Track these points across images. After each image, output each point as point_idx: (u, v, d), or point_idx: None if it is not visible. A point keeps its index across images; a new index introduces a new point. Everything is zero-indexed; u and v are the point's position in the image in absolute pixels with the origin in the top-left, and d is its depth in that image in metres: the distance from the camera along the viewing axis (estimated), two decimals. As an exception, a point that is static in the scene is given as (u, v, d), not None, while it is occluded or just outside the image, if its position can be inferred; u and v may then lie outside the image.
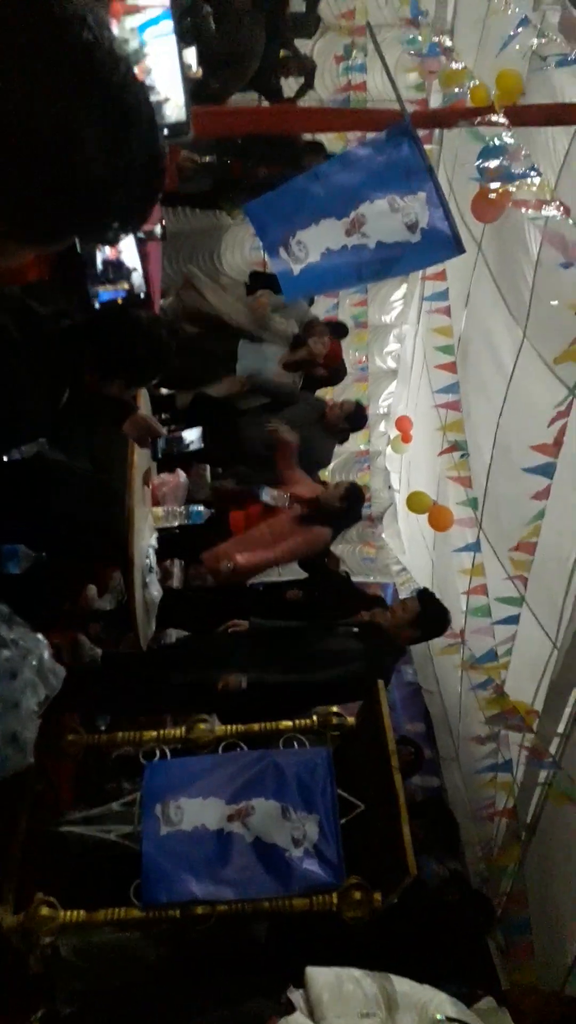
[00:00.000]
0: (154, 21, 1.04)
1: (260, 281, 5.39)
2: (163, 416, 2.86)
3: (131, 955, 2.57)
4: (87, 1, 0.73)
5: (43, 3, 0.70)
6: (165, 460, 2.78)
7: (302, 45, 6.09)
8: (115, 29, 1.02)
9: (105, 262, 1.67)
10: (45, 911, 2.21)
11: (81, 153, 0.72)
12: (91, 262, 1.67)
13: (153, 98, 1.03)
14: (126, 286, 1.70)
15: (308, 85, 5.66)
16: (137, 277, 1.74)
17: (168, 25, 1.04)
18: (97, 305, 1.72)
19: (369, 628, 3.55)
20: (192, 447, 2.70)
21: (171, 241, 6.20)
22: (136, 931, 2.53)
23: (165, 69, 1.03)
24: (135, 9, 1.02)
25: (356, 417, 4.65)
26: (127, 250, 1.72)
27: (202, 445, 2.71)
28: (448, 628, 3.86)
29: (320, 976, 2.37)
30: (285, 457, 3.97)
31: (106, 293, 1.72)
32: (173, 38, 1.04)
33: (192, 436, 2.71)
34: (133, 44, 1.03)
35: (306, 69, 5.50)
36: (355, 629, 3.56)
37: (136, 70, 1.03)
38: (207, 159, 5.31)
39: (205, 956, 2.60)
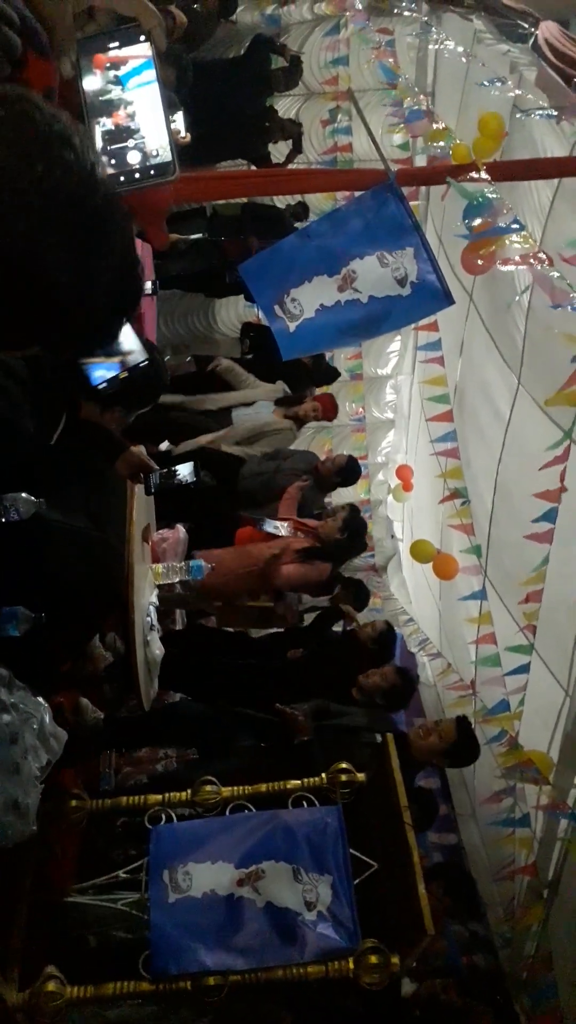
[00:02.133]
0: (137, 71, 1.07)
1: (251, 333, 5.50)
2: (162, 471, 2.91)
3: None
4: (74, 123, 0.73)
5: (27, 120, 0.70)
6: (160, 496, 2.81)
7: (285, 105, 6.33)
8: (98, 81, 1.05)
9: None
10: (52, 986, 2.13)
11: (45, 273, 0.72)
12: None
13: (136, 142, 1.05)
14: (118, 359, 1.69)
15: (297, 150, 5.85)
16: (134, 359, 1.73)
17: (151, 73, 1.07)
18: (101, 385, 1.71)
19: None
20: (185, 481, 2.72)
21: (166, 300, 6.33)
22: (153, 1006, 2.44)
23: (149, 114, 1.05)
24: (118, 60, 1.05)
25: (348, 471, 4.66)
26: (125, 335, 1.72)
27: (195, 478, 2.73)
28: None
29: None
30: (288, 505, 3.99)
31: (97, 367, 1.71)
32: (156, 85, 1.07)
33: (185, 471, 2.73)
34: (116, 93, 1.06)
35: (293, 133, 5.69)
36: (379, 739, 3.48)
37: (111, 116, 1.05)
38: (198, 236, 5.46)
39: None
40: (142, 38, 1.08)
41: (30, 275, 0.71)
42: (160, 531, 3.41)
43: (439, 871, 4.10)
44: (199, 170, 3.42)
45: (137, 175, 1.06)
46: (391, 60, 5.67)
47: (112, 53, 1.08)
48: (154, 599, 2.97)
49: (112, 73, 1.08)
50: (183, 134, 3.64)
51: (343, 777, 2.60)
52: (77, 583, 2.25)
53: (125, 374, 1.68)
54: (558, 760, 4.05)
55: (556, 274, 2.89)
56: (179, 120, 3.56)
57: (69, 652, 2.59)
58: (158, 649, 2.85)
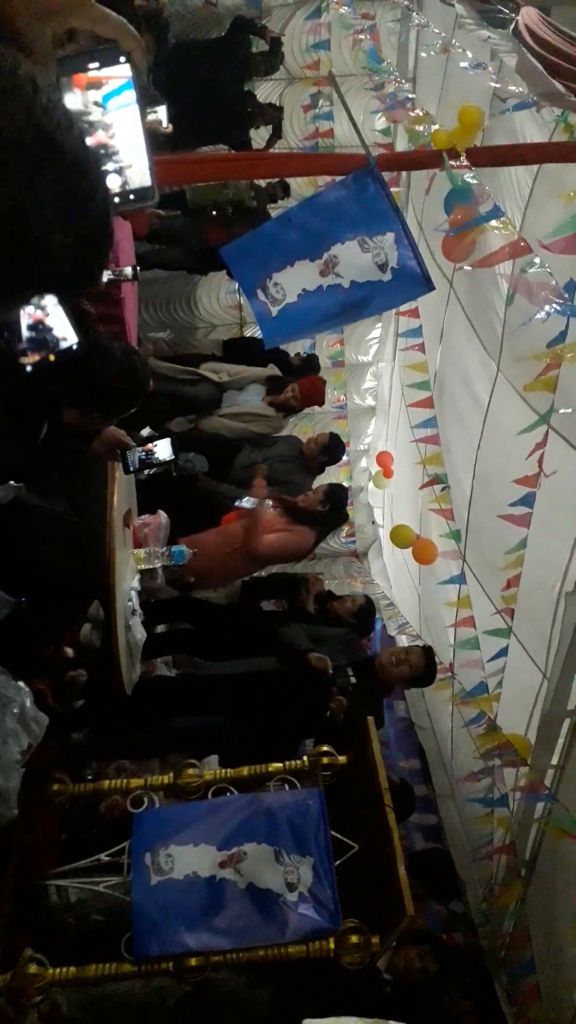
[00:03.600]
0: (117, 92, 1.06)
1: (233, 351, 5.49)
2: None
3: (133, 1007, 2.49)
4: (30, 67, 0.72)
5: None
6: (138, 472, 2.82)
7: (267, 89, 6.28)
8: (77, 101, 1.05)
9: (31, 327, 1.64)
10: (33, 968, 2.14)
11: (38, 220, 0.71)
12: (15, 329, 1.64)
13: (117, 165, 1.05)
14: (51, 357, 1.67)
15: (276, 135, 5.81)
16: (64, 343, 1.71)
17: (131, 95, 1.06)
18: (30, 368, 1.70)
19: (364, 667, 3.58)
20: (163, 458, 2.73)
21: (147, 287, 6.29)
22: (137, 981, 2.46)
23: (129, 137, 1.05)
24: (98, 81, 1.05)
25: (332, 448, 4.70)
26: (55, 317, 1.69)
27: (173, 456, 2.74)
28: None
29: (318, 1028, 2.31)
30: (259, 485, 4.04)
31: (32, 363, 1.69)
32: (136, 107, 1.06)
33: (162, 447, 2.74)
34: (97, 114, 1.06)
35: (273, 119, 5.65)
36: (350, 671, 3.58)
37: (90, 136, 1.04)
38: (176, 214, 5.43)
39: (210, 1010, 2.53)
40: (122, 59, 1.07)
41: (25, 223, 0.70)
42: (142, 516, 3.41)
43: (414, 860, 4.16)
44: (179, 154, 3.41)
45: (117, 199, 1.07)
46: (375, 44, 5.64)
47: (92, 74, 1.07)
48: (136, 584, 2.97)
49: (92, 93, 1.07)
50: (165, 125, 3.62)
51: (325, 759, 2.63)
52: (57, 568, 2.25)
53: (52, 357, 1.65)
54: (535, 742, 4.11)
55: (537, 260, 2.90)
56: (161, 112, 3.53)
57: (50, 637, 2.59)
58: (140, 634, 2.86)
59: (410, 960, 3.20)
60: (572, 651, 3.74)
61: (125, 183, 1.06)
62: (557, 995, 3.93)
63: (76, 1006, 2.42)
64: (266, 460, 4.56)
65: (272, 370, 5.10)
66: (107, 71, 1.06)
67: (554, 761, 3.97)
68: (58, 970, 2.18)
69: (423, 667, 3.77)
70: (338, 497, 4.16)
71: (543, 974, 4.14)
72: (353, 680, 3.61)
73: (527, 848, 4.34)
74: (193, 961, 2.23)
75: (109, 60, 1.07)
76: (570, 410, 3.43)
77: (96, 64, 1.06)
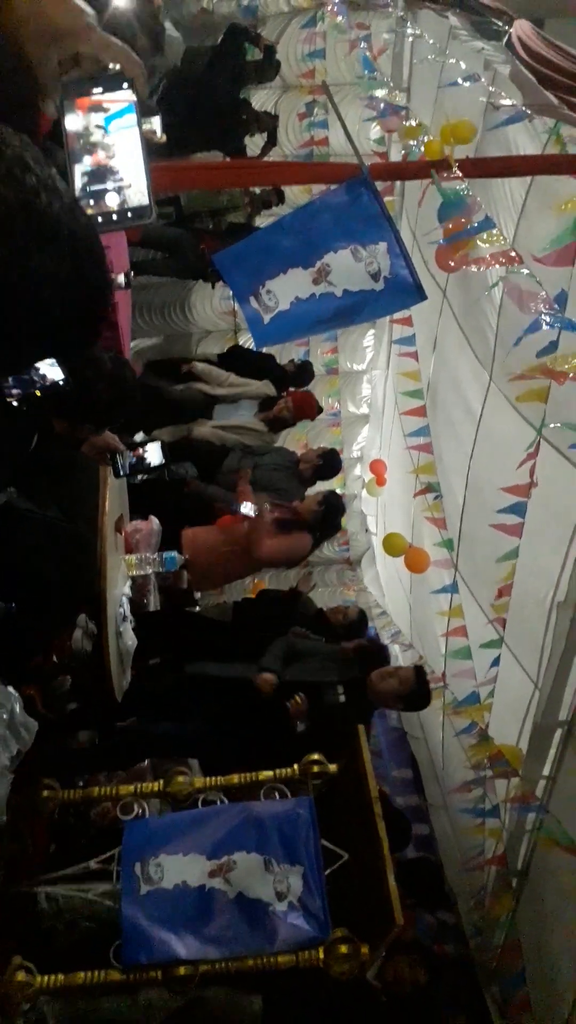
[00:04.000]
0: (119, 114, 1.09)
1: (229, 361, 5.50)
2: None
3: (119, 1021, 2.47)
4: (21, 142, 0.75)
5: None
6: (129, 476, 2.83)
7: (263, 97, 6.30)
8: (80, 122, 1.07)
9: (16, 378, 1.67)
10: (21, 976, 2.13)
11: (37, 294, 0.74)
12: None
13: (116, 184, 1.06)
14: (37, 393, 1.70)
15: (271, 143, 5.84)
16: (48, 373, 1.73)
17: (132, 118, 1.09)
18: (15, 402, 1.71)
19: (356, 684, 3.57)
20: (154, 462, 2.74)
21: (140, 292, 6.30)
22: (125, 996, 2.44)
23: (129, 157, 1.08)
24: (100, 104, 1.09)
25: (328, 465, 4.69)
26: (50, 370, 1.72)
27: (163, 460, 2.75)
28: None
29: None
30: (245, 491, 4.05)
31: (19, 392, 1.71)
32: (136, 129, 1.10)
33: (152, 451, 2.74)
34: (98, 136, 1.08)
35: (268, 126, 5.68)
36: (341, 688, 3.57)
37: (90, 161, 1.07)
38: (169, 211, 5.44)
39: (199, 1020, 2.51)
40: (125, 85, 1.10)
41: (24, 298, 0.74)
42: (133, 522, 3.40)
43: (405, 869, 4.14)
44: (173, 161, 3.42)
45: (115, 217, 1.09)
46: (369, 53, 5.68)
47: (95, 97, 1.10)
48: (127, 590, 2.97)
49: (94, 115, 1.10)
50: (159, 135, 3.65)
51: (315, 768, 2.62)
52: (47, 573, 2.24)
53: (38, 392, 1.67)
54: (527, 752, 4.10)
55: (526, 271, 2.92)
56: (155, 123, 3.57)
57: (40, 643, 2.58)
58: (130, 640, 2.85)
59: (399, 969, 3.18)
60: (564, 661, 3.74)
61: (124, 202, 1.08)
62: (549, 1008, 3.91)
63: (63, 1019, 2.40)
64: (256, 467, 4.56)
65: (268, 387, 5.10)
66: (110, 96, 1.09)
67: (545, 772, 3.97)
68: (46, 977, 2.17)
69: (413, 683, 3.63)
70: (334, 504, 4.18)
71: (534, 986, 4.13)
72: (343, 699, 3.58)
73: (518, 859, 4.33)
74: (182, 970, 2.21)
75: (112, 85, 1.10)
76: (559, 424, 3.44)
77: (100, 89, 1.09)
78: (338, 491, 8.52)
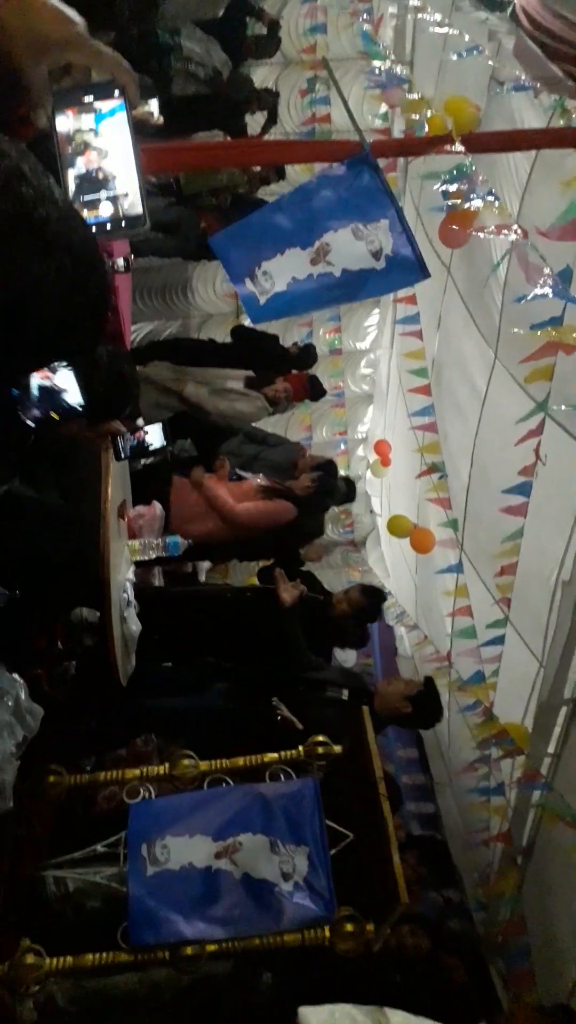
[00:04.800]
0: (110, 113, 1.08)
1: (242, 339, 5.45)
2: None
3: (129, 1002, 2.50)
4: (18, 153, 0.75)
5: None
6: (131, 459, 2.81)
7: (263, 74, 6.21)
8: (70, 124, 1.06)
9: (41, 388, 1.65)
10: (30, 958, 2.15)
11: (37, 304, 0.75)
12: (26, 388, 1.65)
13: (110, 194, 1.05)
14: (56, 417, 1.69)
15: (272, 121, 5.76)
16: (69, 398, 1.71)
17: (123, 118, 1.08)
18: (32, 424, 1.71)
19: (360, 695, 3.53)
20: (156, 445, 2.72)
21: (141, 275, 6.25)
22: (133, 975, 2.47)
23: (122, 163, 1.07)
24: (91, 106, 1.08)
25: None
26: (63, 378, 1.70)
27: (165, 442, 2.74)
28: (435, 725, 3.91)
29: (313, 1015, 2.32)
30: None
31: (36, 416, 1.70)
32: (128, 130, 1.08)
33: (154, 433, 2.73)
34: (89, 138, 1.06)
35: (269, 104, 5.60)
36: (344, 695, 3.54)
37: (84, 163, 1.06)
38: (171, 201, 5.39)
39: (207, 1004, 2.54)
40: (116, 92, 1.09)
41: (26, 311, 0.75)
42: (136, 507, 3.39)
43: (414, 842, 4.18)
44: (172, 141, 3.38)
45: (109, 226, 1.08)
46: (370, 26, 5.59)
47: (85, 101, 1.10)
48: (131, 575, 2.96)
49: (85, 116, 1.09)
50: (156, 117, 3.61)
51: (320, 749, 2.63)
52: (50, 560, 2.24)
53: (55, 416, 1.67)
54: (532, 730, 4.12)
55: (531, 244, 2.88)
56: (153, 104, 3.53)
57: (44, 628, 2.59)
58: (135, 625, 2.85)
59: (402, 937, 3.22)
60: (569, 639, 3.74)
61: (117, 211, 1.07)
62: (552, 980, 3.96)
63: (71, 999, 2.43)
64: (257, 459, 4.54)
65: (250, 375, 5.04)
66: (101, 104, 1.08)
67: (550, 749, 3.98)
68: (55, 960, 2.19)
69: (420, 686, 3.49)
70: (327, 483, 4.16)
71: (538, 960, 4.18)
72: (345, 696, 3.55)
73: (523, 836, 4.36)
74: (189, 950, 2.23)
75: (104, 94, 1.09)
76: (564, 405, 3.41)
77: (91, 97, 1.08)
78: (342, 472, 8.58)
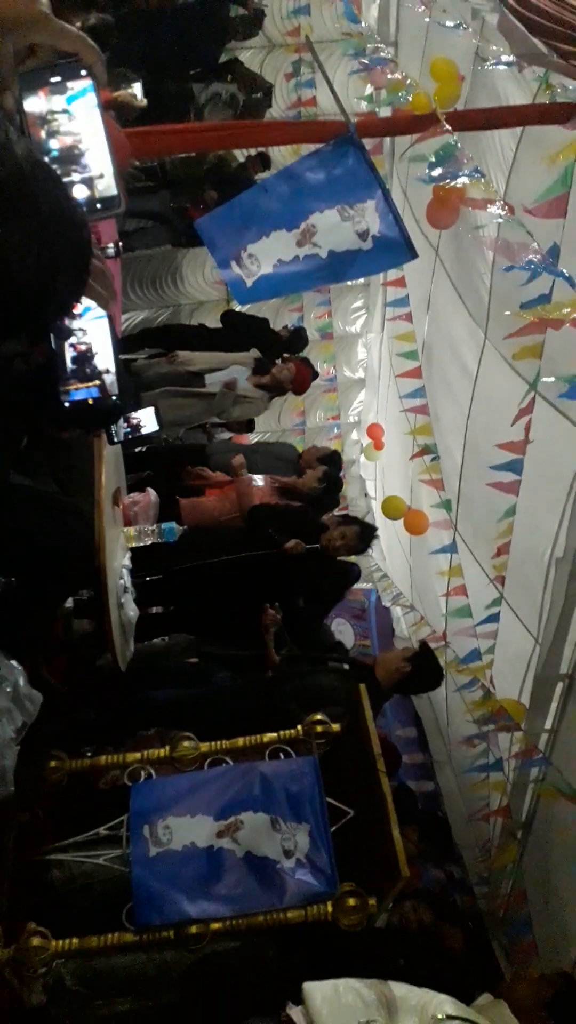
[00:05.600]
0: (80, 94, 1.07)
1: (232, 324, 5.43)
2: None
3: (137, 980, 2.53)
4: None
5: None
6: (124, 443, 2.81)
7: (248, 57, 6.17)
8: (41, 104, 1.04)
9: (75, 358, 1.61)
10: (36, 941, 2.17)
11: (13, 265, 0.72)
12: (61, 359, 1.61)
13: (83, 175, 1.04)
14: (97, 384, 1.63)
15: (266, 104, 5.73)
16: (110, 378, 1.65)
17: (93, 100, 1.07)
18: (68, 404, 1.65)
19: (360, 670, 3.58)
20: (147, 429, 2.73)
21: (131, 265, 6.23)
22: (140, 954, 2.50)
23: (94, 145, 1.06)
24: (60, 87, 1.06)
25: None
26: (100, 345, 1.65)
27: (157, 427, 2.74)
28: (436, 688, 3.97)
29: (318, 990, 2.36)
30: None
31: (77, 392, 1.65)
32: (98, 110, 1.07)
33: (146, 418, 2.73)
34: (60, 119, 1.05)
35: (265, 86, 5.57)
36: (345, 666, 3.59)
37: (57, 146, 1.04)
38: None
39: (213, 980, 2.57)
40: (83, 72, 1.08)
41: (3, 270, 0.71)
42: (131, 494, 3.41)
43: (414, 817, 4.22)
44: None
45: (84, 208, 1.07)
46: (352, 3, 5.55)
47: (53, 80, 1.08)
48: (127, 562, 2.98)
49: (56, 99, 1.08)
50: (140, 99, 3.58)
51: (319, 728, 2.65)
52: (46, 547, 2.25)
53: (92, 401, 1.64)
54: (529, 707, 4.16)
55: (519, 222, 2.88)
56: (136, 88, 3.51)
57: (43, 616, 2.60)
58: (132, 611, 2.87)
59: (405, 913, 3.27)
60: (563, 616, 3.77)
61: (92, 193, 1.07)
62: (553, 951, 4.01)
63: (80, 980, 2.46)
64: (255, 453, 4.56)
65: (255, 355, 5.05)
66: (70, 85, 1.07)
67: (548, 725, 4.02)
68: (61, 942, 2.22)
69: (416, 650, 3.65)
70: (334, 480, 4.20)
71: (540, 931, 4.23)
72: (347, 667, 3.62)
73: (523, 811, 4.41)
74: (194, 929, 2.26)
75: (70, 74, 1.08)
76: (552, 379, 3.42)
77: (58, 78, 1.07)
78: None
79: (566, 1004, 2.64)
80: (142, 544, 3.20)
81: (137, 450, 4.31)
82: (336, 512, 4.14)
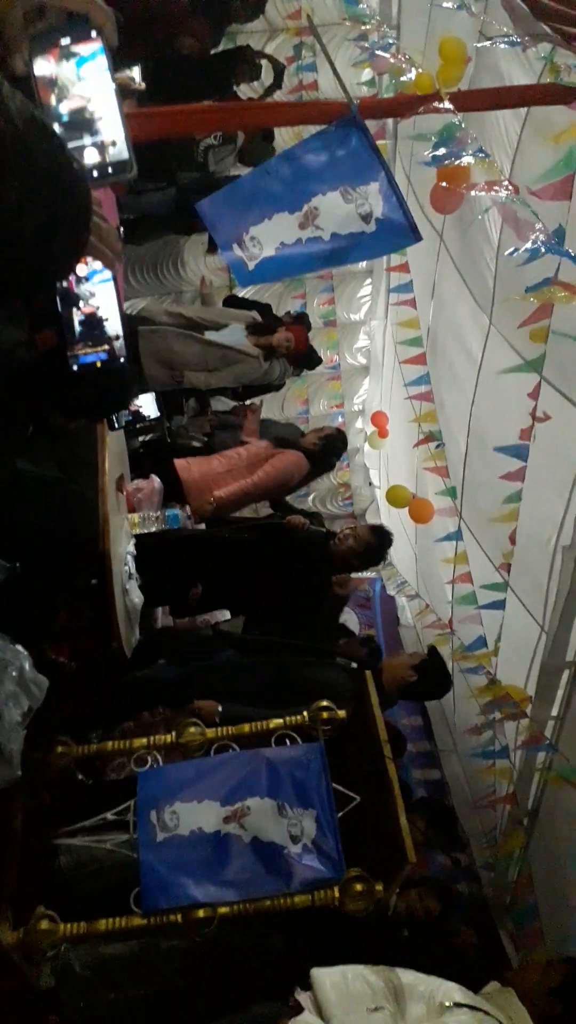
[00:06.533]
0: (91, 56, 1.05)
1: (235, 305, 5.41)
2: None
3: (144, 966, 2.54)
4: None
5: None
6: (124, 429, 2.79)
7: (248, 42, 6.12)
8: (50, 68, 1.02)
9: (83, 322, 1.59)
10: (45, 925, 2.18)
11: (10, 225, 0.71)
12: (69, 324, 1.58)
13: (94, 139, 1.02)
14: (106, 348, 1.60)
15: (276, 85, 5.68)
16: (118, 342, 1.62)
17: (103, 62, 1.05)
18: (76, 368, 1.62)
19: (368, 666, 3.57)
20: (150, 415, 2.72)
21: (132, 252, 6.20)
22: (148, 940, 2.51)
23: (104, 107, 1.04)
24: (70, 50, 1.04)
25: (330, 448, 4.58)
26: (107, 308, 1.61)
27: (158, 413, 2.74)
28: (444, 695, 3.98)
29: (326, 976, 2.37)
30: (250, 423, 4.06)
31: (85, 357, 1.61)
32: (109, 76, 1.05)
33: (146, 403, 2.73)
34: (71, 82, 1.03)
35: (277, 69, 5.52)
36: (354, 665, 3.58)
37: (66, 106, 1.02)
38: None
39: (219, 967, 2.58)
40: (93, 33, 1.06)
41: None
42: (135, 481, 3.40)
43: (421, 805, 4.22)
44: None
45: (95, 173, 1.05)
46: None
47: (63, 43, 1.07)
48: (131, 548, 2.98)
49: (65, 61, 1.06)
50: (138, 82, 3.54)
51: (325, 715, 2.65)
52: (50, 534, 2.25)
53: (100, 363, 1.61)
54: (535, 694, 4.15)
55: (519, 198, 2.85)
56: (135, 71, 3.47)
57: (49, 602, 2.60)
58: (137, 597, 2.87)
59: (411, 901, 3.27)
60: (569, 603, 3.75)
61: (103, 157, 1.05)
62: (560, 938, 4.02)
63: (87, 965, 2.47)
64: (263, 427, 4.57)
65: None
66: (79, 46, 1.05)
67: (554, 712, 4.02)
68: (69, 925, 2.23)
69: (429, 665, 3.58)
70: (334, 441, 4.19)
71: (546, 918, 4.24)
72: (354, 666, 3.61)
73: (529, 797, 4.41)
74: (201, 913, 2.27)
75: (80, 34, 1.06)
76: (561, 361, 3.40)
77: (68, 39, 1.05)
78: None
79: (573, 989, 2.64)
80: (146, 531, 3.19)
81: (140, 439, 4.28)
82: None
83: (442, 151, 2.82)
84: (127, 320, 1.58)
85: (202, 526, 4.15)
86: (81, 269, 1.39)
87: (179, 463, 3.83)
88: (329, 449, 4.20)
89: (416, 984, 2.32)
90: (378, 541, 3.84)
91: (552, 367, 3.64)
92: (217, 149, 5.24)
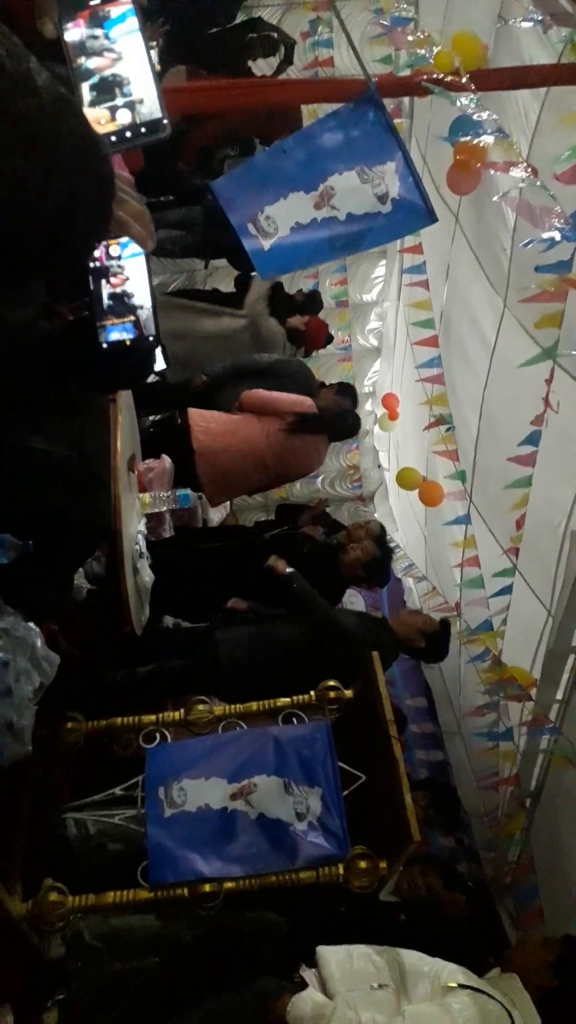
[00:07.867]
0: (121, 18, 1.04)
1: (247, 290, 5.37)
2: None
3: (152, 940, 2.59)
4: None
5: None
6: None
7: (265, 16, 6.04)
8: (80, 33, 1.01)
9: (112, 295, 1.57)
10: (54, 896, 2.23)
11: (33, 200, 0.71)
12: (98, 299, 1.57)
13: (126, 99, 1.01)
14: (132, 319, 1.58)
15: (288, 61, 5.60)
16: (145, 314, 1.59)
17: (134, 22, 1.03)
18: (105, 344, 1.61)
19: (376, 621, 3.61)
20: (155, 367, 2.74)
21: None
22: (154, 915, 2.56)
23: (135, 66, 1.02)
24: (99, 10, 1.03)
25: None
26: (136, 284, 1.59)
27: (165, 365, 2.71)
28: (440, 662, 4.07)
29: (331, 954, 2.41)
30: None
31: (113, 328, 1.60)
32: (139, 35, 1.04)
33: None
34: (101, 43, 1.02)
35: (288, 41, 5.44)
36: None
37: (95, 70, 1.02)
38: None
39: (225, 940, 2.63)
40: None
41: (26, 206, 0.71)
42: (146, 461, 3.41)
43: (426, 785, 4.26)
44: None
45: (128, 134, 1.04)
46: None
47: (92, 3, 1.06)
48: (142, 527, 2.99)
49: (95, 23, 1.05)
50: (155, 65, 3.49)
51: (331, 694, 2.68)
52: (62, 512, 2.25)
53: (129, 342, 1.60)
54: (540, 678, 4.16)
55: (540, 183, 2.82)
56: (152, 53, 3.43)
57: (60, 580, 2.61)
58: (148, 576, 2.89)
59: (413, 878, 3.31)
60: (576, 588, 3.76)
61: (135, 117, 1.04)
62: (559, 917, 4.07)
63: (97, 936, 2.52)
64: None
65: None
66: (110, 9, 1.04)
67: (559, 696, 4.03)
68: (78, 898, 2.27)
69: (437, 626, 3.71)
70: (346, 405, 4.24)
71: (546, 898, 4.28)
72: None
73: (532, 779, 4.44)
74: (207, 887, 2.31)
75: None
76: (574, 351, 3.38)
77: (98, 0, 1.04)
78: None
79: (570, 964, 2.68)
80: (157, 510, 3.20)
81: (150, 420, 4.25)
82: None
83: (463, 128, 2.78)
84: (155, 296, 1.57)
85: (212, 511, 4.20)
86: (114, 249, 1.39)
87: (192, 415, 3.83)
88: (343, 414, 4.23)
89: (420, 965, 2.37)
90: (382, 553, 3.88)
91: (566, 351, 3.62)
92: (234, 160, 5.18)
